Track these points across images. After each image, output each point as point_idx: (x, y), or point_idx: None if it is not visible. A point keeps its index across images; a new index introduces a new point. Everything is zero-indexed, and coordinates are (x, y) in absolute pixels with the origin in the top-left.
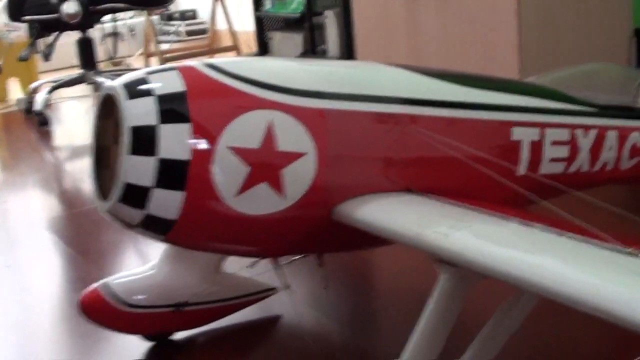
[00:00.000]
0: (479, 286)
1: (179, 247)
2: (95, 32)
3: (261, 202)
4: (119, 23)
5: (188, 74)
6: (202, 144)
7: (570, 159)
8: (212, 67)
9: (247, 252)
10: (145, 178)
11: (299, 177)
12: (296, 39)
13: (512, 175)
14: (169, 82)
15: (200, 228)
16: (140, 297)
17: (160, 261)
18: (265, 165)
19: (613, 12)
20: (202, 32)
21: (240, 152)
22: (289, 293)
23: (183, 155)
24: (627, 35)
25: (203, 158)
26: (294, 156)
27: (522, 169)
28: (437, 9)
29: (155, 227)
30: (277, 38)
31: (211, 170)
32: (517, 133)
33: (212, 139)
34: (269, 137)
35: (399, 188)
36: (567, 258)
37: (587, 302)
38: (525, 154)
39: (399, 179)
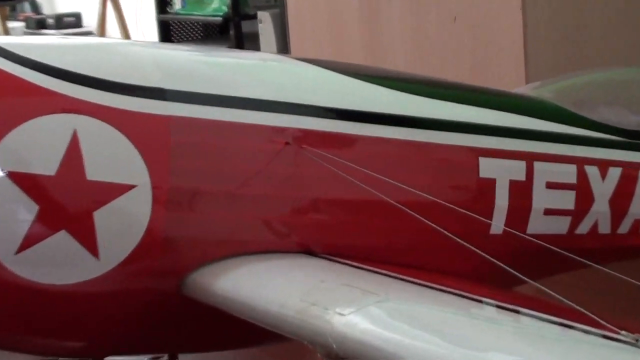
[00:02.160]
0: None
1: None
2: None
3: (59, 265)
4: None
5: None
6: None
7: (578, 212)
8: None
9: (47, 350)
10: None
11: (123, 225)
12: None
13: (482, 234)
14: None
15: None
16: None
17: None
18: (65, 203)
19: None
20: None
21: (23, 181)
22: None
23: None
24: None
25: None
26: (115, 190)
27: (497, 225)
28: (405, 5)
29: None
30: None
31: None
32: (489, 167)
33: None
34: (72, 157)
35: (291, 247)
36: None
37: None
38: (501, 201)
39: (292, 234)
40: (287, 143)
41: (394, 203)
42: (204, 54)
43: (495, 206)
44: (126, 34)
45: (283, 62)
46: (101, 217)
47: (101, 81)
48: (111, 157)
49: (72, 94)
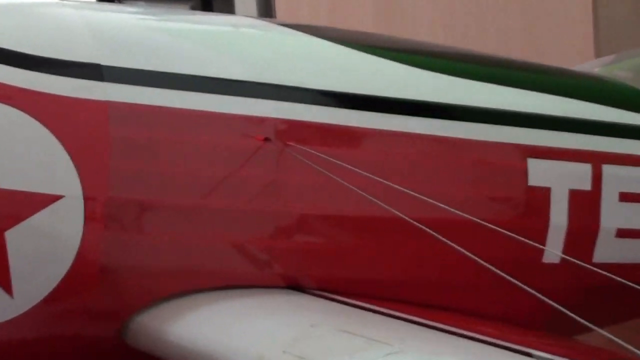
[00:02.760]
0: None
1: None
2: None
3: None
4: None
5: None
6: None
7: None
8: None
9: None
10: None
11: (45, 249)
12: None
13: (532, 263)
14: None
15: None
16: None
17: None
18: None
19: None
20: None
21: None
22: None
23: None
24: None
25: None
26: (34, 202)
27: (553, 250)
28: None
29: None
30: None
31: None
32: (542, 172)
33: None
34: None
35: (272, 279)
36: None
37: None
38: (559, 218)
39: (273, 261)
40: (266, 139)
41: (412, 221)
42: (157, 18)
43: (550, 225)
44: None
45: (263, 30)
46: (15, 239)
47: (16, 55)
48: (29, 157)
49: None
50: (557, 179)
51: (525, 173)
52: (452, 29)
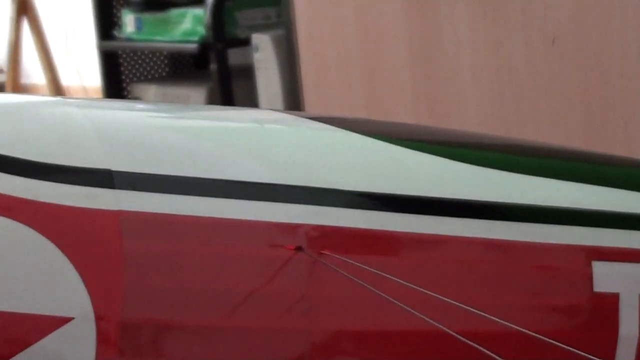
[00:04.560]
0: None
1: None
2: None
3: None
4: None
5: None
6: None
7: None
8: None
9: None
10: None
11: None
12: (194, 96)
13: None
14: None
15: None
16: None
17: None
18: None
19: None
20: None
21: None
22: None
23: None
24: None
25: None
26: (41, 326)
27: None
28: (477, 22)
29: None
30: (150, 95)
31: None
32: (608, 276)
33: None
34: None
35: None
36: None
37: None
38: (629, 329)
39: None
40: (298, 248)
41: (463, 339)
42: (171, 115)
43: (620, 337)
44: (52, 75)
45: (291, 125)
46: None
47: (15, 162)
48: (34, 276)
49: None
50: (627, 284)
51: (589, 278)
52: (503, 112)
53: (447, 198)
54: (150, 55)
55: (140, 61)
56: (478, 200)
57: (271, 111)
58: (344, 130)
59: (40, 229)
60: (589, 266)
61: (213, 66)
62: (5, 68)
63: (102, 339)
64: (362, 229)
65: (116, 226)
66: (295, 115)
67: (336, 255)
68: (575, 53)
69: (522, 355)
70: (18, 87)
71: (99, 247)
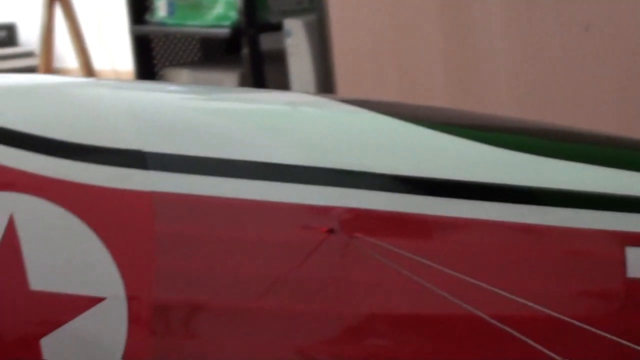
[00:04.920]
0: None
1: None
2: None
3: None
4: None
5: None
6: None
7: None
8: None
9: None
10: None
11: (86, 357)
12: (226, 81)
13: None
14: None
15: None
16: None
17: None
18: None
19: None
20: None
21: None
22: None
23: None
24: None
25: None
26: (73, 306)
27: None
28: (510, 9)
29: None
30: (182, 80)
31: None
32: None
33: None
34: (6, 257)
35: None
36: None
37: None
38: None
39: None
40: (330, 230)
41: (495, 322)
42: (203, 98)
43: None
44: (84, 59)
45: (323, 108)
46: (52, 346)
47: (48, 142)
48: (65, 256)
49: (7, 162)
50: None
51: (623, 264)
52: (533, 94)
53: (479, 182)
54: (183, 40)
55: (172, 46)
56: (510, 185)
57: (304, 94)
58: (376, 113)
59: (73, 209)
60: (623, 251)
61: (245, 51)
62: (38, 52)
63: (134, 319)
64: (394, 211)
65: (148, 207)
66: (327, 98)
67: (368, 238)
68: (609, 40)
69: (556, 340)
70: (51, 71)
71: (131, 228)
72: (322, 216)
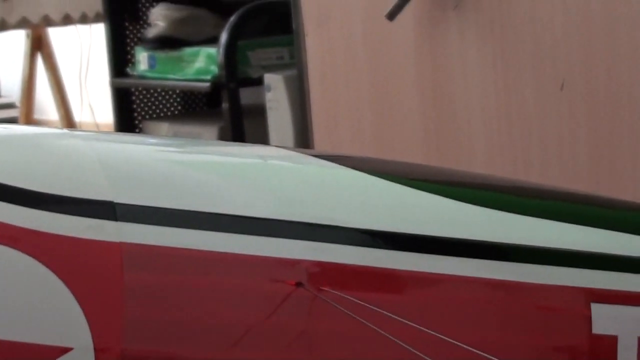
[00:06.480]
0: None
1: None
2: None
3: None
4: None
5: None
6: None
7: None
8: None
9: None
10: None
11: None
12: (205, 135)
13: None
14: None
15: None
16: None
17: None
18: None
19: None
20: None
21: None
22: None
23: None
24: None
25: None
26: (40, 356)
27: None
28: (487, 62)
29: None
30: (162, 133)
31: None
32: (607, 318)
33: None
34: None
35: None
36: None
37: None
38: None
39: None
40: (298, 284)
41: None
42: (177, 150)
43: None
44: (65, 111)
45: (295, 162)
46: None
47: (19, 193)
48: (33, 305)
49: None
50: (625, 326)
51: (588, 320)
52: (511, 155)
53: (448, 237)
54: (163, 93)
55: (152, 99)
56: (479, 240)
57: (276, 148)
58: (347, 168)
59: (42, 259)
60: (588, 308)
61: (225, 105)
62: (18, 103)
63: None
64: (363, 266)
65: (118, 258)
66: (299, 152)
67: (336, 292)
68: (584, 98)
69: None
70: (31, 123)
71: (100, 278)
72: (291, 269)
